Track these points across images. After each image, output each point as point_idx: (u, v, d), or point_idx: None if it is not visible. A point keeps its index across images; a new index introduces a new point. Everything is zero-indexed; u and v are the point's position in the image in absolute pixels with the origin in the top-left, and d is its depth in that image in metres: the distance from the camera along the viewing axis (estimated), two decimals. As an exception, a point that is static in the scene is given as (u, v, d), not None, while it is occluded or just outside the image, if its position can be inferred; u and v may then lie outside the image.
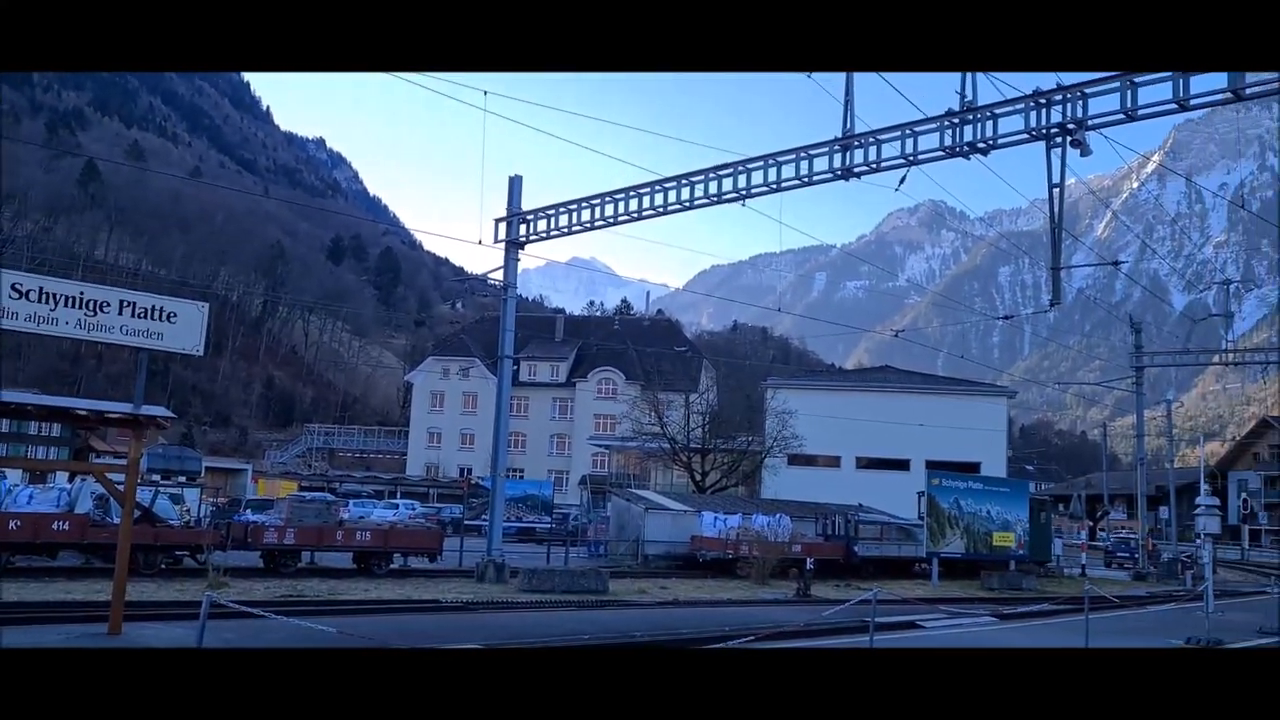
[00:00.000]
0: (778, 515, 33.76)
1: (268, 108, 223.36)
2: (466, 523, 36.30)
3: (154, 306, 12.25)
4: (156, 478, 39.20)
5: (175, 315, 12.32)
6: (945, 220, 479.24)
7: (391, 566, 25.30)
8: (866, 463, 51.86)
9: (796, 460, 48.45)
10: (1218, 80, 16.08)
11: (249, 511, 36.29)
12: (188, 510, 27.29)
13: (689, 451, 45.65)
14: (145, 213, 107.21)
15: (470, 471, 66.90)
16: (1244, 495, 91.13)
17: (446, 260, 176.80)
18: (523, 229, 26.29)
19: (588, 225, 24.93)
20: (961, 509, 33.06)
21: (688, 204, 23.03)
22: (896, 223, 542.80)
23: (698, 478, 45.43)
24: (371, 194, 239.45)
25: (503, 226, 26.39)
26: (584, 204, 25.12)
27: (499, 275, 26.85)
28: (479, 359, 74.09)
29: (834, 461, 52.08)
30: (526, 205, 26.54)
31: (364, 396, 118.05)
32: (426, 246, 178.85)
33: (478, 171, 30.82)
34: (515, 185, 26.62)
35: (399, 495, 54.65)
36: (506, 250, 26.32)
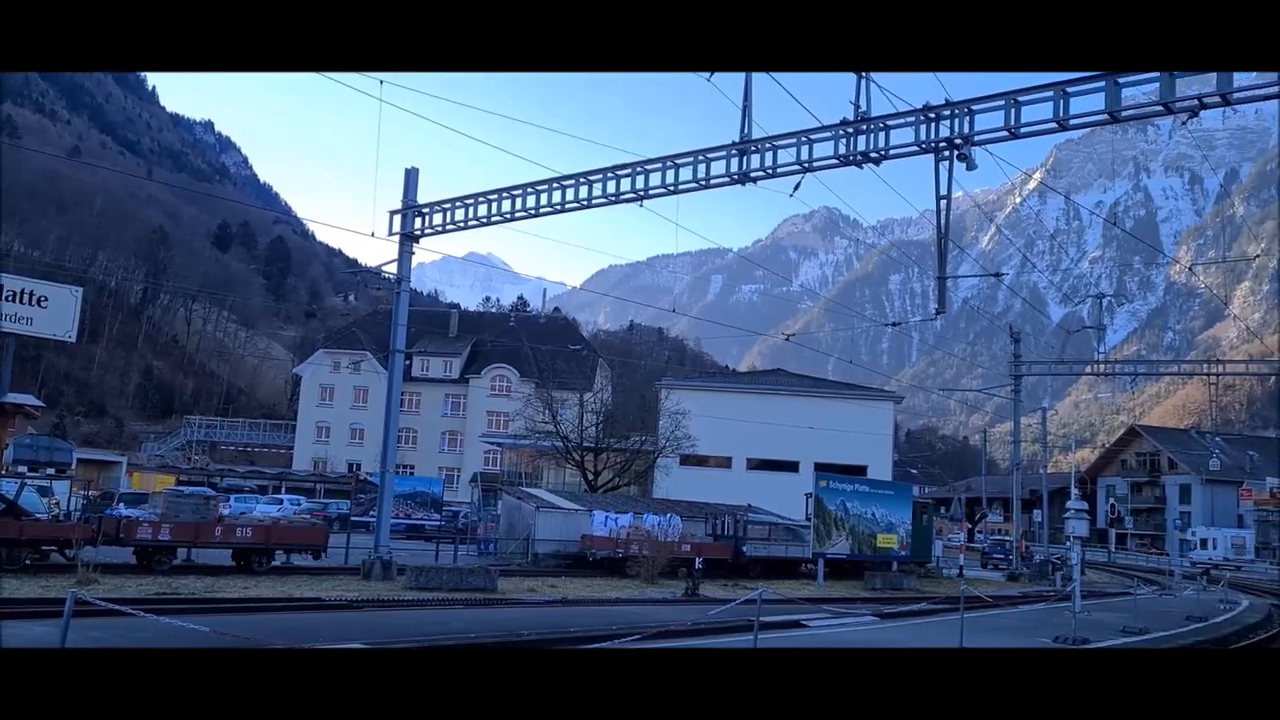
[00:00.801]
0: (668, 515, 34.01)
1: (153, 87, 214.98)
2: (354, 519, 35.58)
3: (24, 290, 11.71)
4: (23, 469, 37.34)
5: (46, 299, 11.80)
6: (839, 227, 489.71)
7: (273, 564, 24.63)
8: (757, 464, 52.63)
9: (689, 460, 48.88)
10: (1095, 102, 16.77)
11: (122, 506, 34.91)
12: (56, 503, 26.08)
13: (582, 450, 45.64)
14: (19, 192, 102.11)
15: (359, 467, 65.61)
16: (1112, 500, 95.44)
17: (340, 251, 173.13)
18: (418, 222, 25.92)
19: (484, 220, 24.72)
20: (848, 511, 33.80)
21: (585, 203, 23.02)
22: (792, 228, 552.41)
23: (590, 477, 45.44)
24: (262, 181, 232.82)
25: (398, 219, 25.98)
26: (481, 199, 24.90)
27: (393, 269, 26.42)
28: (371, 353, 72.76)
29: (725, 462, 52.69)
30: (423, 198, 26.18)
31: (250, 389, 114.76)
32: (319, 237, 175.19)
33: (374, 162, 30.31)
34: (411, 178, 26.24)
35: (284, 490, 53.28)
36: (401, 243, 25.91)
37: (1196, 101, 15.97)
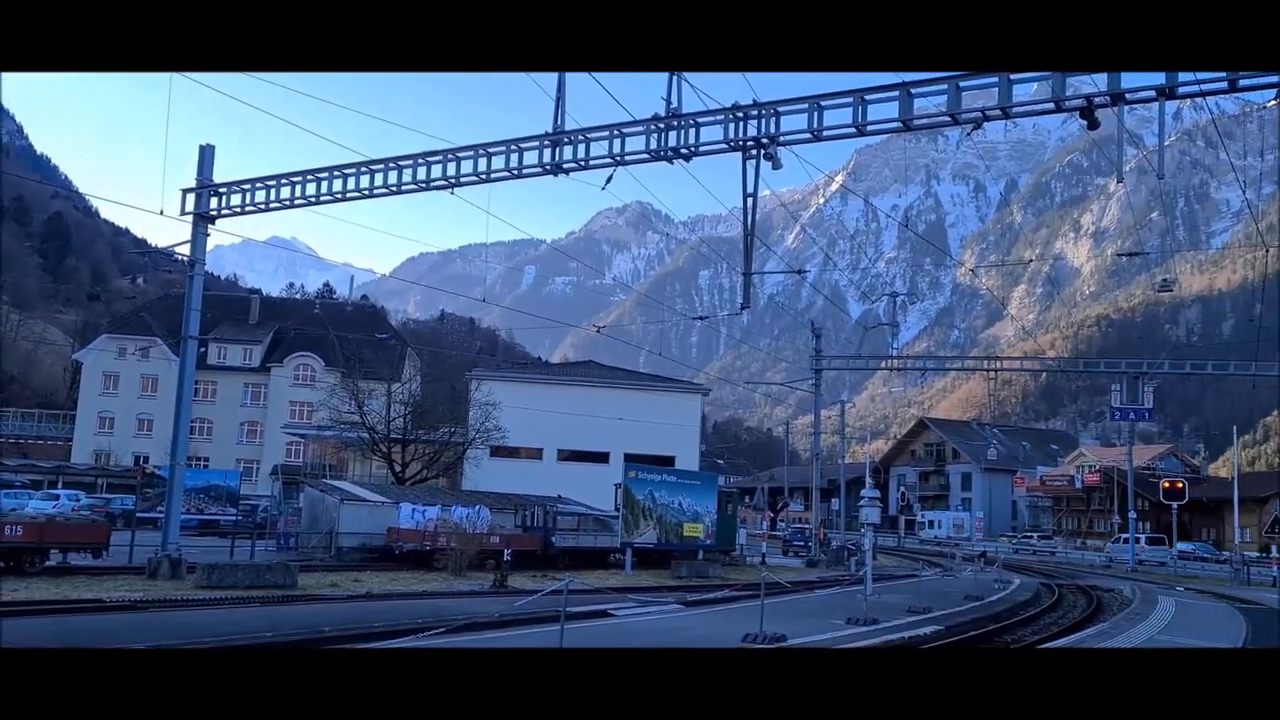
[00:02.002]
0: (477, 507, 33.70)
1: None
2: (140, 515, 33.52)
3: None
4: None
5: None
6: (651, 222, 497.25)
7: (49, 564, 22.90)
8: (568, 455, 52.84)
9: (499, 452, 48.56)
10: (891, 110, 17.65)
11: None
12: None
13: (389, 442, 44.59)
14: None
15: (147, 460, 61.82)
16: (902, 489, 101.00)
17: (127, 230, 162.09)
18: (214, 202, 24.64)
19: (288, 203, 23.73)
20: (656, 501, 34.37)
21: (395, 188, 22.46)
22: (605, 222, 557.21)
23: (398, 469, 44.47)
24: (39, 152, 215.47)
25: (191, 198, 24.61)
26: (285, 181, 23.89)
27: (186, 250, 25.01)
28: (161, 339, 68.59)
29: (536, 454, 52.66)
30: (221, 178, 24.90)
31: (23, 376, 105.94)
32: (104, 214, 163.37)
33: (165, 137, 28.53)
34: (207, 155, 24.89)
35: (61, 485, 49.60)
36: (195, 224, 24.56)
37: (980, 114, 17.03)
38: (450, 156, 21.68)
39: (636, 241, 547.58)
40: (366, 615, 16.99)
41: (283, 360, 71.42)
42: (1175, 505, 59.67)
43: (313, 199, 23.38)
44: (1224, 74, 15.02)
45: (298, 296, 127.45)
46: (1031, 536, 78.86)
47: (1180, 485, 60.57)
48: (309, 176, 23.50)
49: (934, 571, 42.71)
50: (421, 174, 22.02)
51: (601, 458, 50.33)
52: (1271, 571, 46.69)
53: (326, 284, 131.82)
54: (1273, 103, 18.82)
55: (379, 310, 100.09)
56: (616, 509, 34.65)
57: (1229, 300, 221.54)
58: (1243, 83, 15.05)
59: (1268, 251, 48.60)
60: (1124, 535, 68.81)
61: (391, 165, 22.42)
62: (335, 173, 23.14)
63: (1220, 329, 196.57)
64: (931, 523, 68.35)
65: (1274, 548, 49.27)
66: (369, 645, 12.99)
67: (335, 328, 70.55)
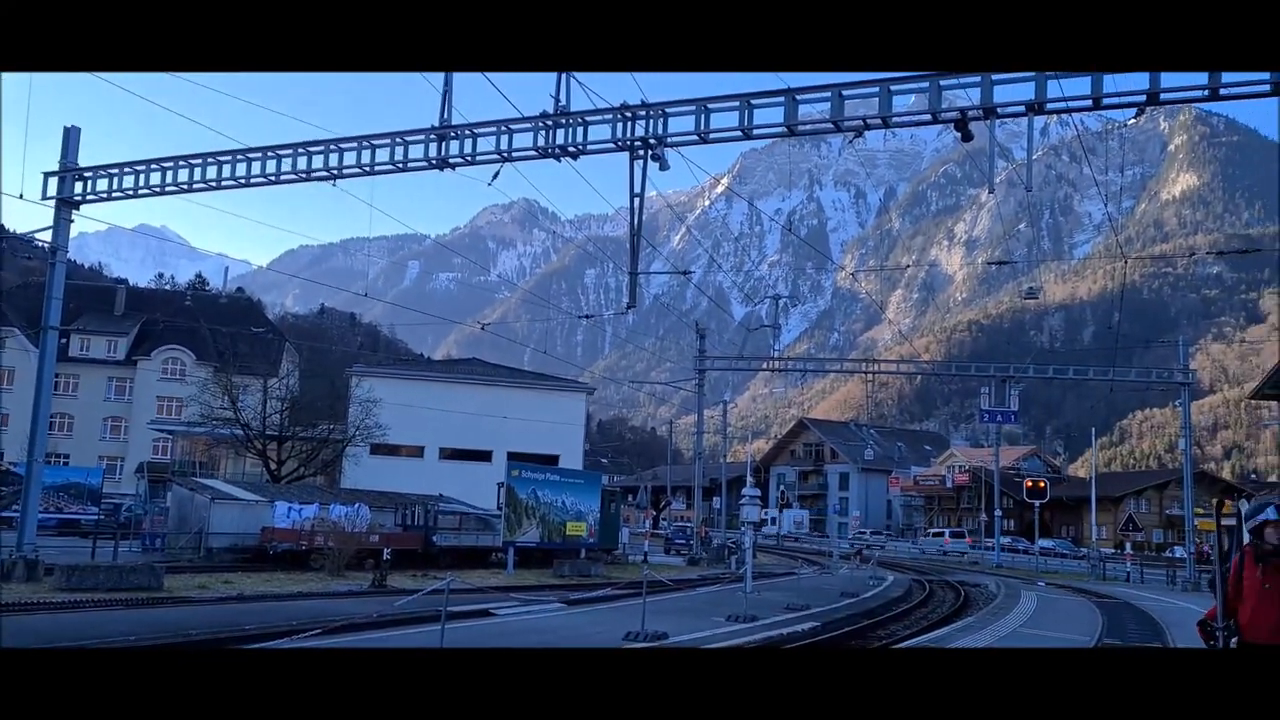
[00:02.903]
0: (356, 505, 33.01)
1: None
2: (-7, 515, 31.80)
3: None
4: None
5: None
6: (538, 220, 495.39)
7: (-112, 567, 21.51)
8: (450, 453, 52.20)
9: (380, 450, 47.68)
10: (776, 115, 17.97)
11: None
12: None
13: (264, 439, 43.29)
14: None
15: (1, 457, 58.63)
16: (782, 488, 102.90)
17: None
18: (79, 187, 23.51)
19: (158, 189, 22.79)
20: (539, 499, 34.23)
21: (274, 178, 21.80)
22: (491, 218, 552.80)
23: (273, 467, 43.22)
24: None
25: (54, 182, 23.44)
26: (155, 166, 22.94)
27: (47, 236, 23.80)
28: (19, 329, 65.16)
29: (418, 451, 51.86)
30: (87, 161, 23.78)
31: None
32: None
33: (27, 117, 27.11)
34: (72, 137, 23.73)
35: (-95, 484, 46.65)
36: (57, 209, 23.39)
37: (862, 122, 17.48)
38: (332, 147, 21.17)
39: (523, 239, 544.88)
40: (237, 617, 16.46)
41: (150, 353, 68.61)
42: (1038, 504, 62.31)
43: (185, 186, 22.51)
44: (1089, 94, 15.77)
45: (168, 287, 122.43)
46: (869, 532, 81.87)
47: (1042, 485, 63.21)
48: (181, 162, 22.63)
49: (812, 569, 43.66)
50: (302, 164, 21.44)
51: (485, 456, 49.89)
52: (1125, 567, 49.20)
53: (199, 275, 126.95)
54: (1133, 121, 19.82)
55: (255, 303, 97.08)
56: (499, 508, 34.40)
57: (1090, 309, 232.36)
58: (1106, 101, 15.81)
59: (1125, 263, 51.14)
60: (931, 530, 72.45)
61: (270, 154, 21.76)
62: (210, 159, 22.34)
63: (1082, 336, 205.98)
64: (771, 520, 70.40)
65: (1127, 544, 51.95)
66: (240, 649, 12.58)
67: (208, 320, 68.19)
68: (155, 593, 20.02)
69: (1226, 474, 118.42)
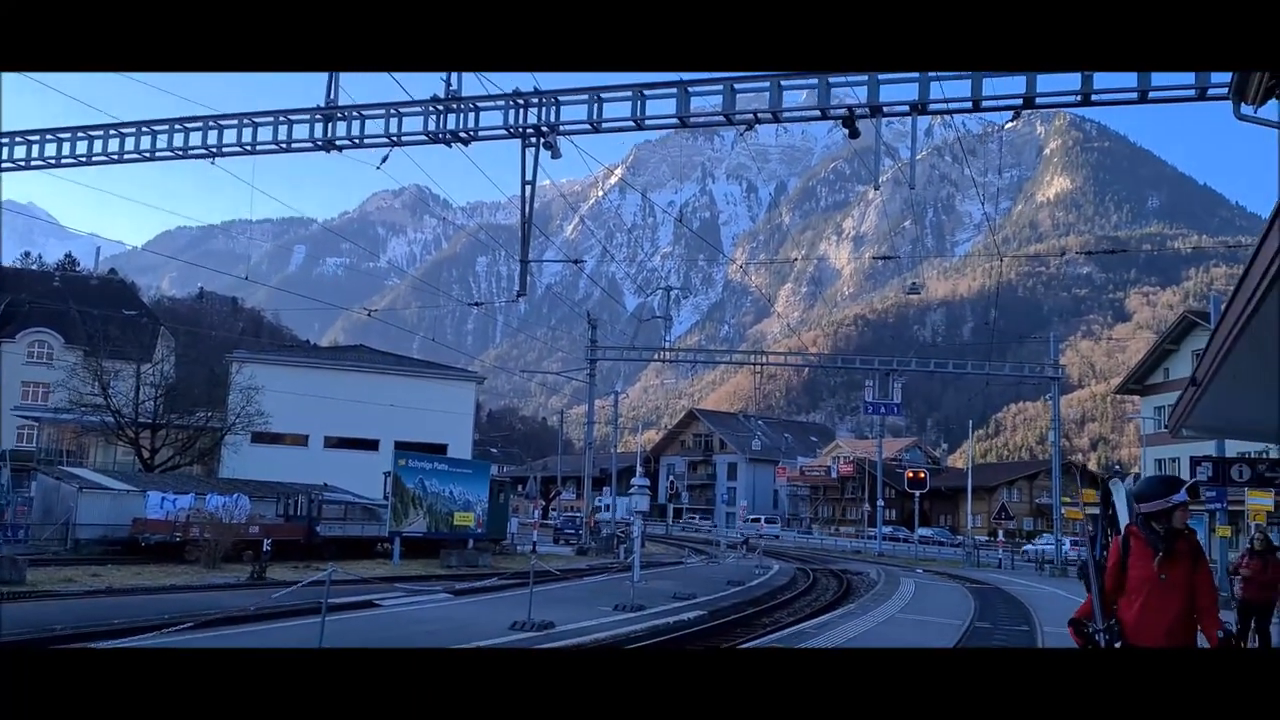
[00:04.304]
0: (235, 495, 32.02)
1: None
2: None
3: None
4: None
5: None
6: (429, 206, 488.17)
7: None
8: (336, 442, 51.05)
9: (261, 438, 46.36)
10: (669, 106, 18.04)
11: None
12: None
13: (137, 426, 41.63)
14: None
15: None
16: (671, 478, 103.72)
17: None
18: (-66, 158, 22.16)
19: (22, 164, 21.61)
20: (426, 489, 33.78)
21: (149, 155, 20.91)
22: (381, 203, 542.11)
23: (146, 455, 41.61)
24: None
25: (-95, 152, 22.04)
26: (19, 139, 21.75)
27: (-101, 210, 22.42)
28: None
29: (302, 440, 50.59)
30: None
31: None
32: None
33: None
34: (-72, 105, 22.34)
35: None
36: (-89, 181, 22.04)
37: (753, 116, 17.67)
38: (211, 124, 20.41)
39: (413, 225, 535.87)
40: (106, 612, 15.79)
41: (15, 336, 65.20)
42: (918, 494, 64.27)
43: (52, 160, 21.41)
44: (969, 96, 16.25)
45: (35, 267, 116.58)
46: (763, 519, 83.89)
47: (922, 476, 65.31)
48: (48, 136, 21.51)
49: (700, 558, 44.15)
50: (179, 141, 20.62)
51: (371, 445, 48.94)
52: (997, 554, 51.12)
53: (69, 255, 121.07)
54: (1010, 124, 20.51)
55: (129, 285, 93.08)
56: (386, 497, 33.82)
57: (969, 305, 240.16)
58: (985, 103, 16.31)
59: (1002, 261, 52.92)
60: (749, 516, 75.73)
61: (145, 129, 20.86)
62: (80, 134, 21.29)
63: (961, 331, 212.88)
64: (605, 507, 71.54)
65: (1000, 532, 53.97)
66: (105, 644, 12.08)
67: (78, 302, 65.11)
68: (17, 586, 19.07)
69: (1092, 465, 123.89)
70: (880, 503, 63.90)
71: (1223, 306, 8.96)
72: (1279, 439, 17.79)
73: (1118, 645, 5.38)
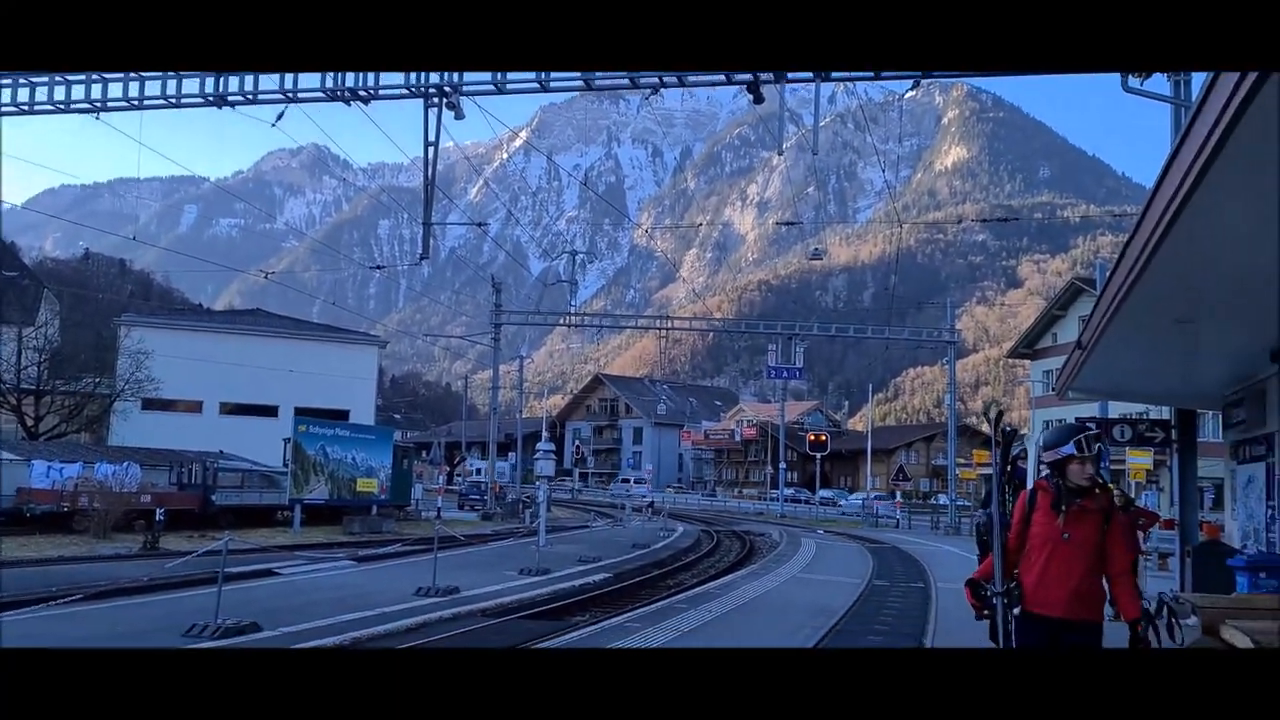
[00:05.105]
0: (125, 464, 30.98)
1: None
2: None
3: None
4: None
5: None
6: (329, 167, 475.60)
7: None
8: (232, 408, 49.71)
9: (153, 405, 44.90)
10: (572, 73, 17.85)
11: None
12: None
13: (19, 393, 39.92)
14: None
15: None
16: (577, 442, 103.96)
17: None
18: None
19: (-112, 115, 20.40)
20: (328, 456, 33.23)
21: (27, 108, 19.92)
22: (277, 163, 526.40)
23: (29, 423, 39.96)
24: None
25: None
26: (-116, 88, 20.50)
27: None
28: None
29: (196, 407, 49.13)
30: None
31: None
32: None
33: None
34: None
35: None
36: None
37: (658, 80, 17.61)
38: (95, 77, 19.52)
39: (312, 186, 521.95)
40: (-12, 585, 15.18)
41: (-116, 299, 61.86)
42: (819, 456, 65.62)
43: (-78, 113, 20.26)
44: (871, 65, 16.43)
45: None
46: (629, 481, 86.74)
47: (824, 438, 66.70)
48: (-83, 86, 20.33)
49: (605, 522, 44.42)
50: (60, 94, 19.68)
51: (270, 411, 47.80)
52: (895, 514, 52.59)
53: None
54: (910, 93, 20.86)
55: (9, 245, 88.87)
56: (285, 464, 33.15)
57: (870, 271, 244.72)
58: (884, 73, 16.53)
59: (902, 228, 53.91)
60: (621, 477, 77.52)
61: (23, 81, 19.84)
62: (-49, 85, 20.17)
63: (862, 297, 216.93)
64: (479, 470, 72.36)
65: (898, 493, 55.51)
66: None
67: (-47, 263, 61.94)
68: (-111, 561, 18.20)
69: (985, 427, 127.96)
70: (783, 465, 65.09)
71: (1107, 274, 9.30)
72: (1158, 401, 18.62)
73: (1016, 610, 4.95)
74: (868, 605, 15.98)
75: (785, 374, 49.30)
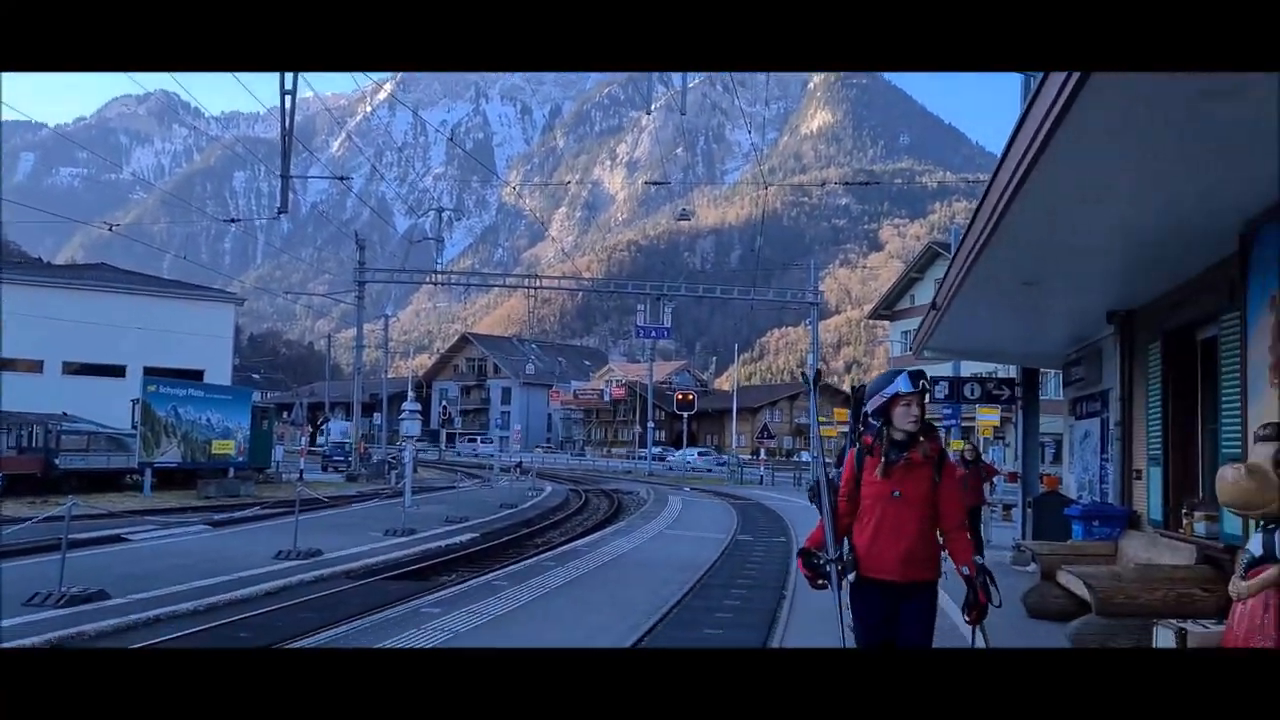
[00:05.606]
0: (-42, 427, 29.20)
1: None
2: None
3: None
4: None
5: None
6: (179, 115, 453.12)
7: None
8: (77, 368, 47.23)
9: (-13, 364, 42.30)
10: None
11: None
12: None
13: None
14: None
15: None
16: (444, 403, 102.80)
17: None
18: None
19: None
20: (180, 417, 31.98)
21: None
22: (123, 109, 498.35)
23: None
24: None
25: None
26: None
27: None
28: None
29: (36, 366, 46.46)
30: None
31: None
32: None
33: None
34: None
35: None
36: None
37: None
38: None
39: (161, 135, 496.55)
40: None
41: None
42: (686, 415, 66.58)
43: None
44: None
45: None
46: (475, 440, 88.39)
47: (691, 397, 67.67)
48: None
49: (473, 482, 44.17)
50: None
51: (118, 371, 45.60)
52: (759, 471, 53.86)
53: None
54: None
55: None
56: (134, 426, 31.77)
57: (737, 233, 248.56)
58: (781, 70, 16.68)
59: (767, 190, 54.77)
60: (474, 437, 78.97)
61: None
62: None
63: (730, 258, 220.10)
64: (343, 431, 72.40)
65: (762, 451, 56.82)
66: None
67: None
68: None
69: (846, 386, 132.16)
70: (651, 424, 65.78)
71: (960, 238, 9.68)
72: (1005, 360, 19.55)
73: (850, 577, 4.52)
74: (732, 559, 16.37)
75: (653, 334, 49.68)
